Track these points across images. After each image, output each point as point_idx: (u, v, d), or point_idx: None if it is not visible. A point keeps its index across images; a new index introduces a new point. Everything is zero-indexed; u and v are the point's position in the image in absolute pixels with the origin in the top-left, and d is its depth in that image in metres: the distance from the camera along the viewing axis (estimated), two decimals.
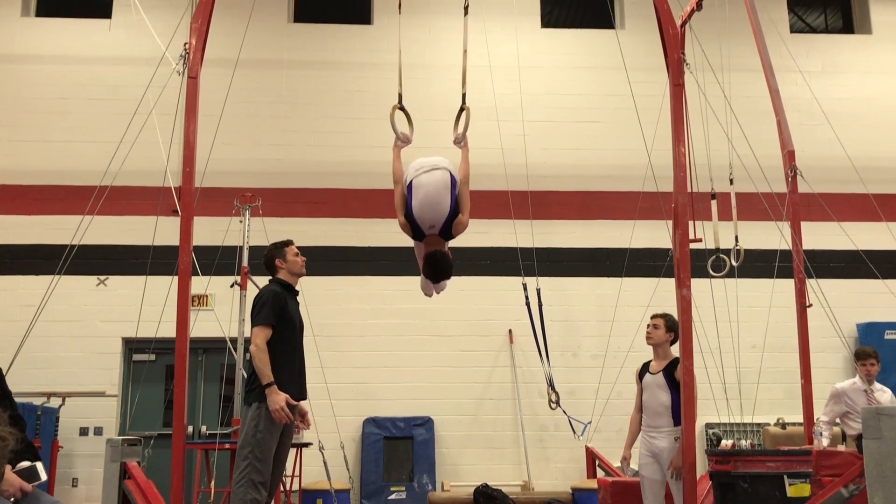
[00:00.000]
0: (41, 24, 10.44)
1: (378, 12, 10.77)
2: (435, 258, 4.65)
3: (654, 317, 5.49)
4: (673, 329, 5.36)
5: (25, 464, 3.42)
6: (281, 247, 5.24)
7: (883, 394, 6.78)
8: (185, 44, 5.47)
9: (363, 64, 10.54)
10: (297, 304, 5.24)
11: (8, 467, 3.29)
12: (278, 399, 4.69)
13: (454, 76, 10.34)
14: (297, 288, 5.27)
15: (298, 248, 5.34)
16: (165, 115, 6.23)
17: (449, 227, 4.67)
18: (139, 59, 9.47)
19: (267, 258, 5.24)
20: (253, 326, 4.88)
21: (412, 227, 4.68)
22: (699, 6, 6.72)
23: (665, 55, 5.57)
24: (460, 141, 5.04)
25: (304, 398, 5.15)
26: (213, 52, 6.03)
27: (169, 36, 6.42)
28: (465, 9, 5.32)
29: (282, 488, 7.42)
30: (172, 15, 8.68)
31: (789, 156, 7.75)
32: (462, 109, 4.98)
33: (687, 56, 5.58)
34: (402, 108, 5.03)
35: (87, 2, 10.85)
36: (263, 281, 5.38)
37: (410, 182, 4.67)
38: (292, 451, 7.21)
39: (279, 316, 4.91)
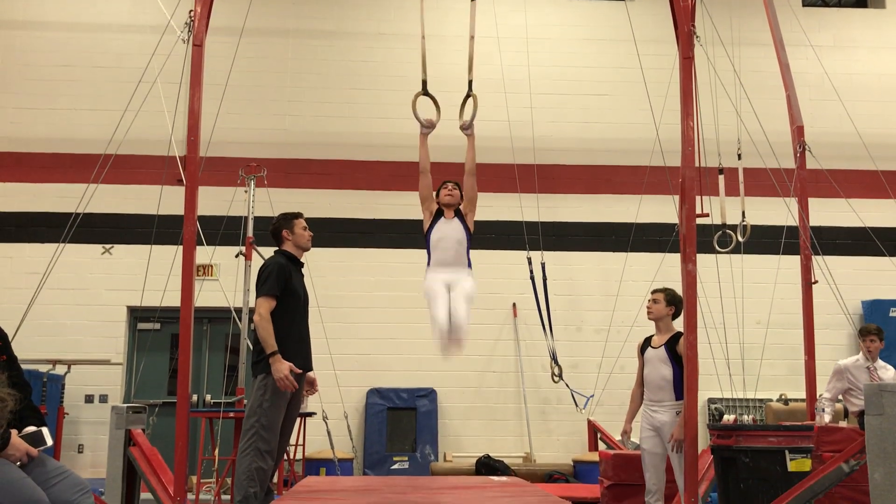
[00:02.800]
0: None
1: None
2: None
3: (654, 291, 5.49)
4: (673, 303, 5.35)
5: (31, 429, 3.45)
6: (290, 218, 5.20)
7: (886, 371, 6.79)
8: (191, 11, 5.42)
9: (370, 34, 10.46)
10: (303, 276, 5.23)
11: (14, 432, 3.32)
12: (282, 368, 4.71)
13: (461, 47, 10.24)
14: (302, 260, 5.26)
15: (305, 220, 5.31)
16: (170, 84, 6.18)
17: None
18: (144, 26, 9.44)
19: (274, 228, 5.21)
20: (257, 297, 4.89)
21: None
22: None
23: (675, 27, 5.51)
24: (468, 128, 5.02)
25: (310, 370, 5.17)
26: (218, 20, 5.98)
27: (174, 3, 6.36)
28: None
29: (285, 457, 7.47)
30: None
31: (798, 131, 7.68)
32: (468, 96, 4.95)
33: (697, 29, 5.51)
34: (426, 94, 4.98)
35: None
36: (268, 251, 5.38)
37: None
38: (296, 420, 7.26)
39: (284, 288, 4.90)
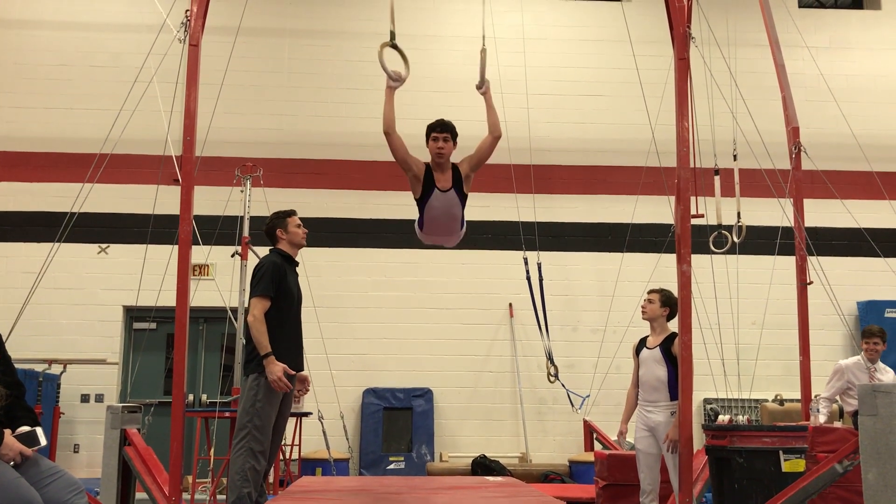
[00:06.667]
0: None
1: None
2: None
3: (650, 291, 5.50)
4: (668, 304, 5.36)
5: (25, 429, 3.44)
6: (283, 217, 5.21)
7: (885, 373, 6.80)
8: (187, 11, 5.41)
9: (366, 34, 10.42)
10: (297, 275, 5.23)
11: (7, 431, 3.32)
12: (276, 369, 4.71)
13: (458, 47, 10.29)
14: (297, 259, 5.27)
15: (299, 218, 5.32)
16: (167, 84, 6.18)
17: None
18: (141, 26, 9.44)
19: (268, 227, 5.22)
20: (251, 297, 4.89)
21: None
22: None
23: (670, 28, 5.52)
24: (481, 86, 4.65)
25: (301, 370, 5.17)
26: (214, 19, 5.98)
27: (170, 3, 6.36)
28: None
29: (281, 457, 7.47)
30: None
31: (794, 132, 7.69)
32: (482, 51, 4.62)
33: (693, 30, 5.52)
34: (394, 46, 4.64)
35: None
36: (264, 251, 5.37)
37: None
38: (292, 420, 7.27)
39: (278, 287, 4.90)
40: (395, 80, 4.63)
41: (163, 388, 9.43)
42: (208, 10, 5.52)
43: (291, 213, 5.26)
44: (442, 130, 4.53)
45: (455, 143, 4.56)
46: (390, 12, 4.71)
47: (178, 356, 5.07)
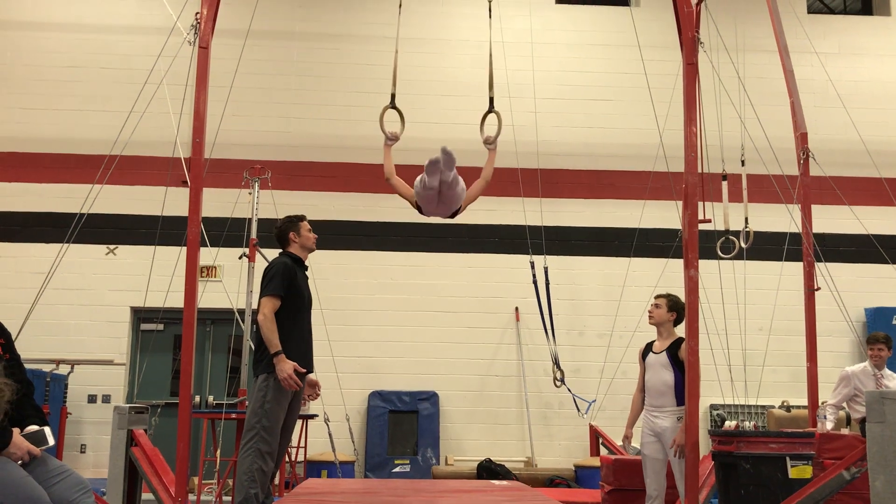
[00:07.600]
0: None
1: None
2: None
3: (656, 297, 5.49)
4: (675, 309, 5.35)
5: (33, 428, 3.46)
6: (296, 221, 5.26)
7: (892, 380, 6.78)
8: (197, 13, 5.44)
9: (375, 37, 10.48)
10: (307, 278, 5.27)
11: (16, 430, 3.33)
12: (286, 367, 4.73)
13: (466, 51, 10.32)
14: (306, 262, 5.30)
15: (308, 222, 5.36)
16: (176, 86, 6.22)
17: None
18: (151, 28, 9.48)
19: (280, 230, 5.26)
20: (262, 297, 4.91)
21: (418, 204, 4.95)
22: None
23: (679, 34, 5.52)
24: (491, 143, 5.11)
25: (311, 371, 5.18)
26: (224, 22, 6.01)
27: (180, 5, 6.40)
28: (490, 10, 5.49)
29: (287, 459, 7.49)
30: None
31: (802, 138, 7.68)
32: (490, 113, 5.08)
33: (701, 35, 5.53)
34: (394, 108, 5.10)
35: None
36: (272, 253, 5.41)
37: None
38: (298, 423, 7.27)
39: (288, 288, 4.93)
40: (391, 140, 5.10)
41: (170, 389, 9.46)
42: (218, 13, 5.55)
43: (302, 217, 5.32)
44: None
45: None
46: (393, 75, 5.21)
47: (185, 357, 5.09)
